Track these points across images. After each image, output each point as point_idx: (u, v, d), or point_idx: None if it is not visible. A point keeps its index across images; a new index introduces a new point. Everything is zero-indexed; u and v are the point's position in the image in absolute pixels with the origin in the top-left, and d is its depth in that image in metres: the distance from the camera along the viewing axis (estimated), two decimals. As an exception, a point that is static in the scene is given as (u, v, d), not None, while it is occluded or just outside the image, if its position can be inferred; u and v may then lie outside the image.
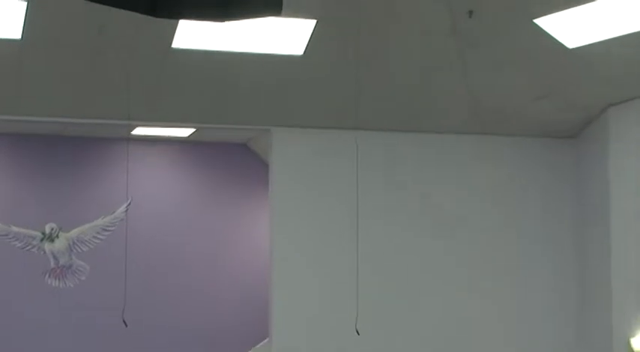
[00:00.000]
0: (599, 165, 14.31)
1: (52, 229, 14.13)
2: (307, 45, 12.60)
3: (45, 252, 14.16)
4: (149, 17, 6.12)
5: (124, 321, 13.76)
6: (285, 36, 12.36)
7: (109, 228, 14.31)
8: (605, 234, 14.03)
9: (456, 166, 14.68)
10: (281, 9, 6.26)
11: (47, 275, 13.99)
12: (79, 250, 14.33)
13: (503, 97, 13.92)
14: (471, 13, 12.04)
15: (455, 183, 14.63)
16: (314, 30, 12.40)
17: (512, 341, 14.51)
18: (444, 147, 14.65)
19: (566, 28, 12.19)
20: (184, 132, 14.85)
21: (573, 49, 12.55)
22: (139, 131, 14.72)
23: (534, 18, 12.08)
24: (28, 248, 13.98)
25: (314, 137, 14.32)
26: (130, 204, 14.21)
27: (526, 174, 14.91)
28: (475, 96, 13.89)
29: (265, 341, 14.37)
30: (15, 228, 13.98)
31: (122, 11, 6.12)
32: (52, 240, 14.14)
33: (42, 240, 14.07)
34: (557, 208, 14.88)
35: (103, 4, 5.91)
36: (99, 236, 14.31)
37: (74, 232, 14.26)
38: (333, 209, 14.19)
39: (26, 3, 10.99)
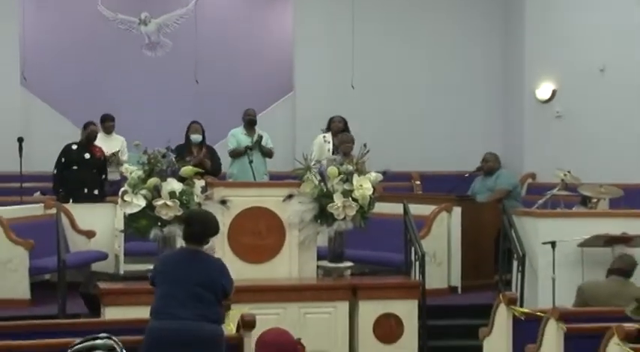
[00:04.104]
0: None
1: (146, 16, 14.15)
2: None
3: (141, 33, 14.28)
4: None
5: (196, 80, 14.21)
6: None
7: (185, 16, 14.34)
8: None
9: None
10: None
11: (143, 48, 14.15)
12: (165, 31, 14.42)
13: None
14: None
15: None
16: None
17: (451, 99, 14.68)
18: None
19: None
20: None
21: None
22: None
23: None
24: (129, 30, 14.11)
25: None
26: (197, 1, 14.31)
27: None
28: None
29: (290, 93, 14.65)
30: (120, 15, 14.04)
31: None
32: (146, 24, 14.13)
33: (139, 24, 14.10)
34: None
35: None
36: (178, 21, 14.35)
37: (161, 18, 14.22)
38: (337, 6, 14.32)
39: None
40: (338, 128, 12.18)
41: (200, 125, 11.76)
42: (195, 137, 11.62)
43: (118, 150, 12.24)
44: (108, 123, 12.60)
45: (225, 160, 12.01)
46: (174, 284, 6.09)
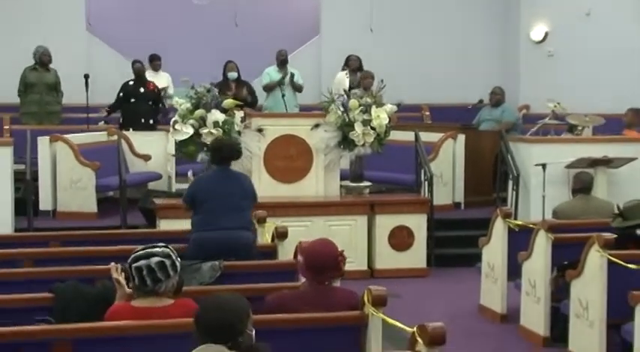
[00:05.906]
0: None
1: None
2: None
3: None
4: None
5: (236, 24, 13.98)
6: None
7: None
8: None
9: None
10: None
11: (195, -5, 13.93)
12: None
13: None
14: None
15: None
16: None
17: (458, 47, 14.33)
18: None
19: None
20: None
21: None
22: None
23: None
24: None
25: None
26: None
27: None
28: None
29: (316, 37, 14.30)
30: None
31: None
32: (194, -21, 14.04)
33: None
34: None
35: None
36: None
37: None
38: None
39: None
40: (354, 65, 12.24)
41: (235, 64, 11.73)
42: (232, 74, 11.64)
43: (167, 86, 12.31)
44: (155, 62, 12.60)
45: (260, 94, 12.02)
46: (217, 199, 6.13)
